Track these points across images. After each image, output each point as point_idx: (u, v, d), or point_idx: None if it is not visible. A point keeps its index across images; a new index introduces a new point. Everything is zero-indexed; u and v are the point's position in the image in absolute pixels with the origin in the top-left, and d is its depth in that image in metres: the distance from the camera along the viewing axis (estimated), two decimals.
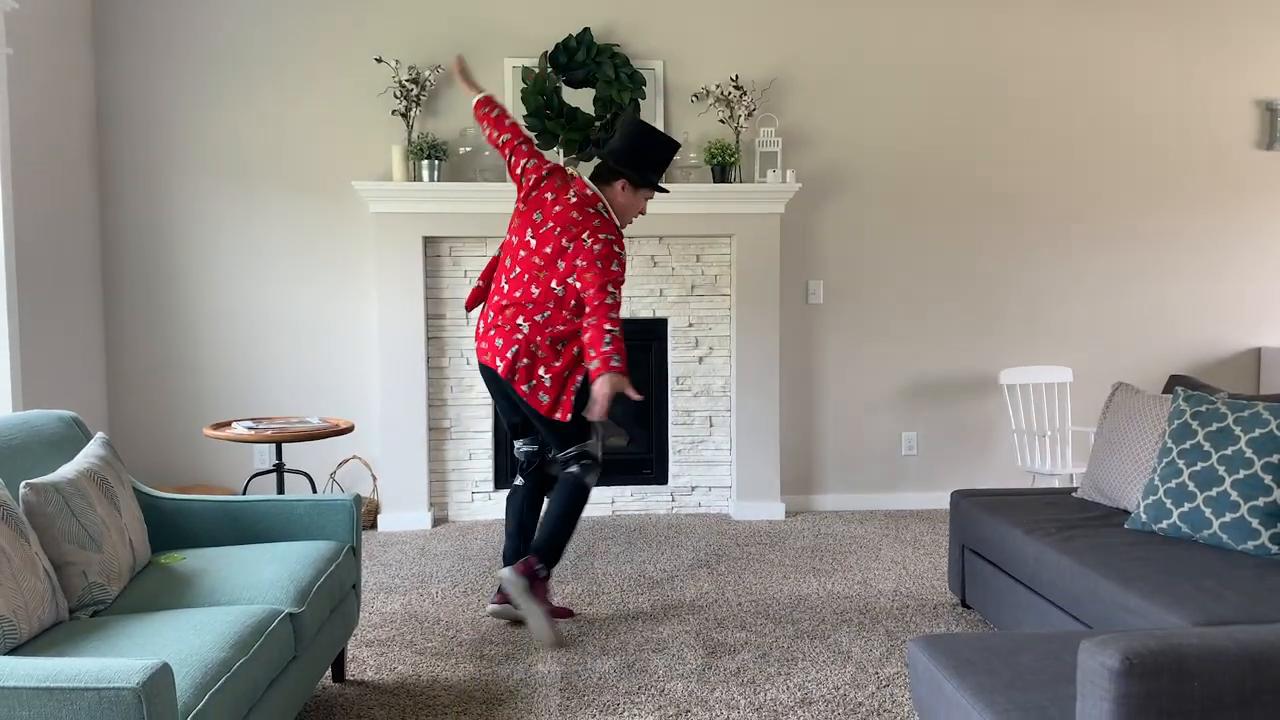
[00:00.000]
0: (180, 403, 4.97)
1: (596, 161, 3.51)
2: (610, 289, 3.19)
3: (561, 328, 3.29)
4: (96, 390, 4.84)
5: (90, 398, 4.76)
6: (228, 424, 4.00)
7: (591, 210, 3.32)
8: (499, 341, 3.32)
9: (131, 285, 4.93)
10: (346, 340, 5.04)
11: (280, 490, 4.05)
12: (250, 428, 3.89)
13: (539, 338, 3.28)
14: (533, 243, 3.35)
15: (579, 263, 3.23)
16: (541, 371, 3.29)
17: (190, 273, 4.96)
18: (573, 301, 3.28)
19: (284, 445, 4.81)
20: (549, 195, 3.37)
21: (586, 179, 3.42)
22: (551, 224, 3.32)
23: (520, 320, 3.31)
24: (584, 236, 3.25)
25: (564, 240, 3.28)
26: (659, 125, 5.06)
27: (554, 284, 3.28)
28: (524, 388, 3.30)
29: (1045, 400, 5.12)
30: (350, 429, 4.08)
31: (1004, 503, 3.46)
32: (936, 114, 5.22)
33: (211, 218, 4.95)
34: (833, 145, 5.19)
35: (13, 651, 2.03)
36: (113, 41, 4.84)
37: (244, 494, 4.28)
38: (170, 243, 4.94)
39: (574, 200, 3.34)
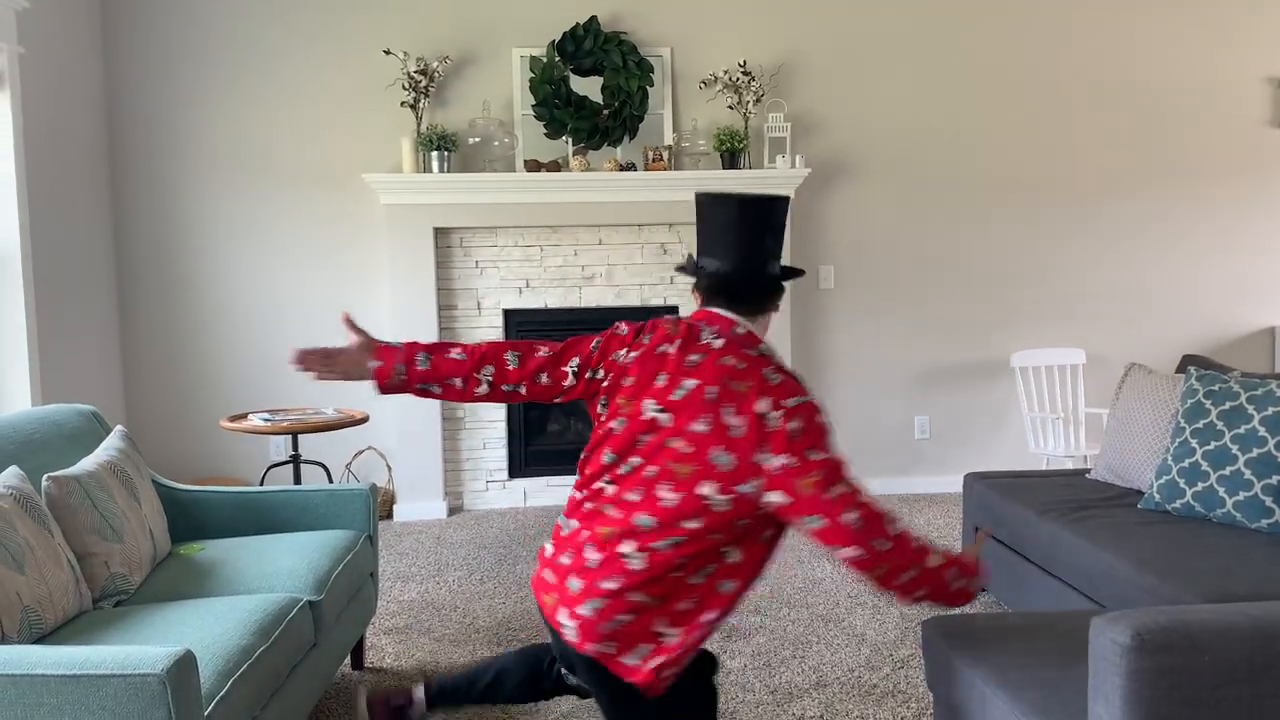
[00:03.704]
0: (196, 395, 5.01)
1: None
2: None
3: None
4: (114, 384, 4.89)
5: (108, 392, 4.81)
6: (244, 416, 4.04)
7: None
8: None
9: (146, 280, 4.97)
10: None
11: (297, 481, 4.08)
12: (266, 419, 3.92)
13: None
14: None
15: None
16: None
17: (204, 266, 4.99)
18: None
19: (300, 436, 4.84)
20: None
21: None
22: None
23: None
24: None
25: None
26: (666, 112, 5.06)
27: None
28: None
29: (1057, 382, 5.11)
30: (365, 419, 4.11)
31: (1017, 485, 3.47)
32: (945, 96, 5.20)
33: (223, 212, 4.98)
34: (841, 130, 5.18)
35: (39, 641, 2.07)
36: (122, 38, 4.87)
37: (261, 485, 4.32)
38: (183, 237, 4.98)
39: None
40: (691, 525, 1.70)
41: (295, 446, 4.02)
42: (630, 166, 4.92)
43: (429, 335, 4.91)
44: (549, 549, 1.87)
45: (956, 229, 5.26)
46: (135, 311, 4.97)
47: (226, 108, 4.94)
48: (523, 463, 5.12)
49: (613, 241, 5.04)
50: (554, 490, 5.09)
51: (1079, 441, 4.98)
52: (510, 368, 1.91)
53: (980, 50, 5.20)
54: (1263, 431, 2.82)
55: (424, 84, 4.81)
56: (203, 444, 5.02)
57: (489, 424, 5.07)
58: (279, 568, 2.55)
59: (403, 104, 4.85)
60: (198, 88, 4.92)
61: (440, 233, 4.95)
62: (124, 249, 4.95)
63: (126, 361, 4.98)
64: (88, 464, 2.52)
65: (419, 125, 4.84)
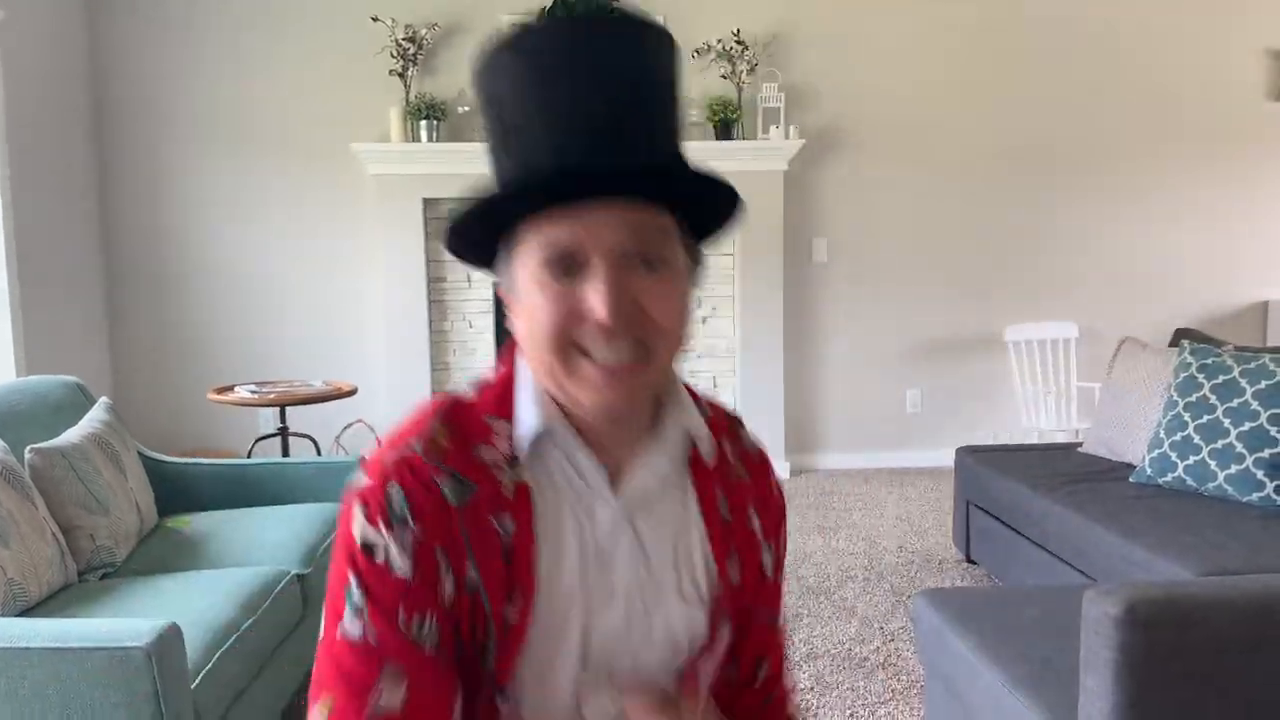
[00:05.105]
0: (183, 367, 4.97)
1: None
2: None
3: None
4: (100, 356, 4.84)
5: (93, 363, 4.77)
6: (231, 388, 4.01)
7: None
8: None
9: (132, 249, 4.91)
10: (349, 303, 5.03)
11: (285, 454, 4.05)
12: (253, 391, 3.89)
13: None
14: None
15: None
16: None
17: (191, 236, 4.93)
18: None
19: (288, 408, 4.82)
20: None
21: None
22: None
23: None
24: None
25: None
26: None
27: None
28: None
29: (1050, 356, 5.10)
30: (353, 392, 4.08)
31: (1009, 458, 3.47)
32: (939, 66, 5.15)
33: (211, 180, 4.91)
34: (835, 100, 5.12)
35: (23, 614, 2.05)
36: (106, 3, 4.78)
37: (249, 458, 4.29)
38: (170, 206, 4.91)
39: None
40: None
41: (283, 419, 3.99)
42: None
43: (418, 308, 4.87)
44: None
45: (950, 201, 5.22)
46: (121, 282, 4.91)
47: (212, 75, 4.86)
48: None
49: None
50: None
51: (1071, 416, 4.98)
52: None
53: (975, 22, 5.14)
54: (1255, 405, 2.81)
55: (412, 52, 4.74)
56: (190, 416, 4.99)
57: None
58: (267, 541, 2.53)
59: (391, 72, 4.78)
60: (184, 53, 4.84)
61: (429, 203, 4.89)
62: (109, 218, 4.88)
63: (112, 332, 4.93)
64: (72, 436, 2.49)
65: (407, 94, 4.78)
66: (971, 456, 3.57)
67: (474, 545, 0.82)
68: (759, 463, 0.97)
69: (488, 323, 5.00)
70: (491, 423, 0.85)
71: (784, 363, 5.09)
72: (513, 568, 0.82)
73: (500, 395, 0.87)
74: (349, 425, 5.02)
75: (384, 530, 0.80)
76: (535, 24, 0.82)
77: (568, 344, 0.80)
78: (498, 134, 0.85)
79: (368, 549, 0.81)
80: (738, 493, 0.93)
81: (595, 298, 0.78)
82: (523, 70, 0.81)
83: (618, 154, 0.79)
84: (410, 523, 0.80)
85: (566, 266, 0.80)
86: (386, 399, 4.90)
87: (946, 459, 5.30)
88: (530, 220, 0.81)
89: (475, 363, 5.01)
